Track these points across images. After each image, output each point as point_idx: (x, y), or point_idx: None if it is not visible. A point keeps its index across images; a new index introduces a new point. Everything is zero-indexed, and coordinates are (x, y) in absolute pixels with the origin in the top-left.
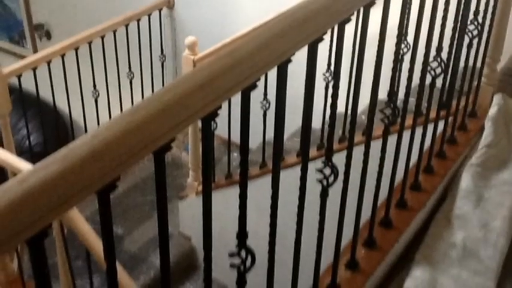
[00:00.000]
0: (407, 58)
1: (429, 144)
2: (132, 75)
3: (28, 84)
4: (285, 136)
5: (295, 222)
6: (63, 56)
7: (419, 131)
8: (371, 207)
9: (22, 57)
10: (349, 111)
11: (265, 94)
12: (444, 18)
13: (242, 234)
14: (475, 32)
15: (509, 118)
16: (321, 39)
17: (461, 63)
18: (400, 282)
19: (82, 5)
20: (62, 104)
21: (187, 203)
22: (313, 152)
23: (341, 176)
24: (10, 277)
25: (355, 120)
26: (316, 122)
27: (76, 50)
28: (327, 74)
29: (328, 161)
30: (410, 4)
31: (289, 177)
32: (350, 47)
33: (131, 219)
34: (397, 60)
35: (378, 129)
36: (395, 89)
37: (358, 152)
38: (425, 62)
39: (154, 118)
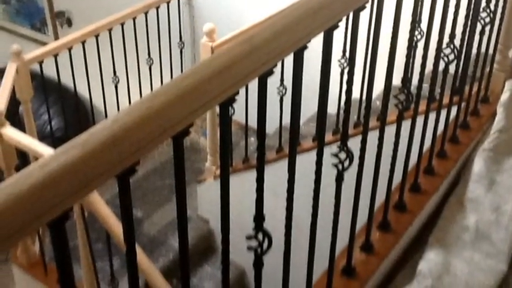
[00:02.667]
0: (421, 45)
1: (442, 129)
2: (151, 61)
3: (49, 71)
4: (301, 121)
5: (311, 206)
6: (83, 43)
7: (432, 116)
8: (385, 191)
9: (43, 44)
10: (364, 97)
11: (282, 80)
12: (457, 5)
13: (259, 217)
14: (487, 19)
15: None
16: (336, 26)
17: (474, 50)
18: (414, 264)
19: None
20: (82, 90)
21: (206, 186)
22: (328, 137)
23: (356, 161)
24: (32, 259)
25: (369, 106)
26: (332, 108)
27: (96, 37)
28: (342, 60)
29: (343, 146)
30: None
31: (305, 162)
32: (365, 34)
33: (150, 203)
34: (411, 47)
35: (392, 114)
36: (409, 75)
37: (372, 136)
38: (439, 49)
39: (173, 104)
